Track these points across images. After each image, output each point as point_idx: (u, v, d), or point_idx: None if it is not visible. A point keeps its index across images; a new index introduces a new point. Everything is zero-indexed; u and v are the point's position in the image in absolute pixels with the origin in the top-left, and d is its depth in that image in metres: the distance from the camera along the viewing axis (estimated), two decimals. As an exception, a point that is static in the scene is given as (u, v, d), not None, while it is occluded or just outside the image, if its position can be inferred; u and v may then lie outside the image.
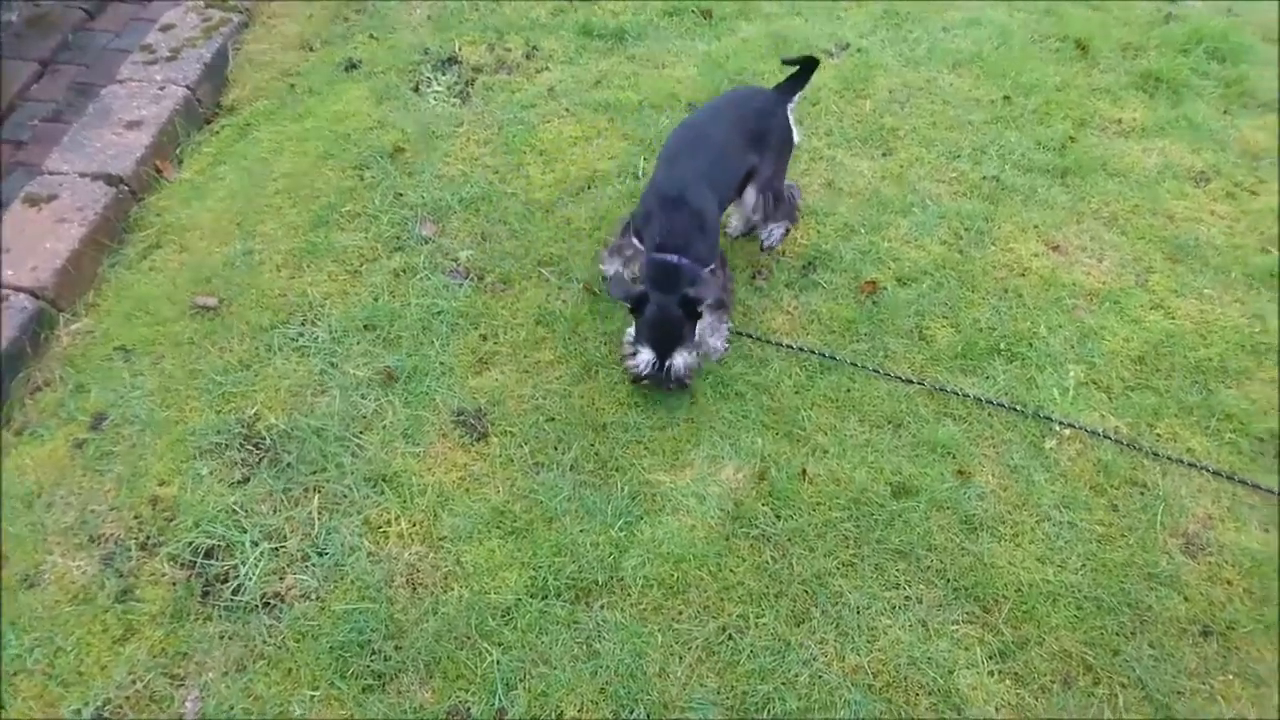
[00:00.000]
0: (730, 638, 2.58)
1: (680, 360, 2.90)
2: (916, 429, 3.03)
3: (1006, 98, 4.21)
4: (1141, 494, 2.89)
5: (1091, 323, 3.32)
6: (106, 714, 2.45)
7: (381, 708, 2.46)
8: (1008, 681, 2.52)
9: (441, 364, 3.19)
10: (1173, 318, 3.35)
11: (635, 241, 3.12)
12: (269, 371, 3.17)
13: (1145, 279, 3.48)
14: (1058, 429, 3.02)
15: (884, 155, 3.96)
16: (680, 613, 2.63)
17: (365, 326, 3.29)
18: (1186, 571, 2.72)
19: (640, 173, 3.81)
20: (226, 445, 2.98)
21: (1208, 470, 2.92)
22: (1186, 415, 3.08)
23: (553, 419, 3.05)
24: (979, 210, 3.70)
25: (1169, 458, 2.95)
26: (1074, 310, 3.37)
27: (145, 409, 3.07)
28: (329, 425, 3.02)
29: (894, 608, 2.65)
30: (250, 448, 2.98)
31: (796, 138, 3.35)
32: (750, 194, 3.23)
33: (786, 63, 3.35)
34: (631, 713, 2.44)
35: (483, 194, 3.75)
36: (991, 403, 3.06)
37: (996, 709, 2.46)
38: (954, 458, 2.96)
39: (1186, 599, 2.67)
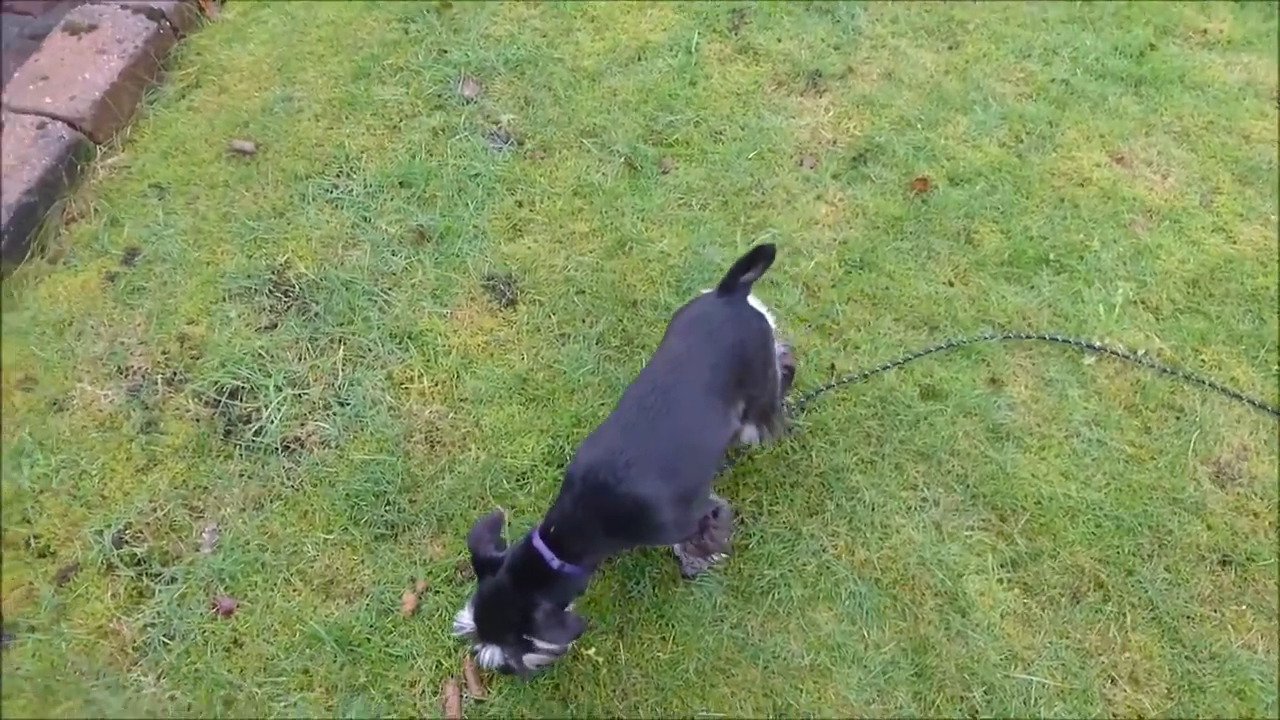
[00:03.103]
0: (742, 521, 2.57)
1: (489, 656, 2.16)
2: (953, 333, 2.95)
3: (1087, -3, 3.97)
4: (1177, 419, 2.81)
5: (1148, 240, 3.19)
6: (127, 537, 2.51)
7: (392, 556, 2.50)
8: (1016, 590, 2.50)
9: (475, 227, 3.14)
10: (1234, 242, 3.21)
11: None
12: (301, 221, 3.14)
13: (1210, 199, 3.32)
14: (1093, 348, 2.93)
15: (949, 48, 3.76)
16: (694, 493, 2.62)
17: (400, 183, 3.24)
18: (1213, 500, 2.66)
19: (694, 47, 3.66)
20: (256, 290, 2.98)
21: (1250, 401, 2.83)
22: (1235, 344, 2.97)
23: (582, 291, 3.00)
24: (1044, 114, 3.53)
25: (1211, 384, 2.86)
26: (1131, 225, 3.23)
27: (177, 248, 3.06)
28: (358, 278, 2.99)
29: (909, 508, 2.62)
30: (279, 294, 2.97)
31: (771, 323, 2.43)
32: (749, 430, 2.48)
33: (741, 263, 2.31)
34: (637, 583, 2.47)
35: (529, 57, 3.63)
36: (1026, 337, 2.97)
37: (1002, 615, 2.46)
38: (988, 365, 2.89)
39: (1209, 527, 2.62)
